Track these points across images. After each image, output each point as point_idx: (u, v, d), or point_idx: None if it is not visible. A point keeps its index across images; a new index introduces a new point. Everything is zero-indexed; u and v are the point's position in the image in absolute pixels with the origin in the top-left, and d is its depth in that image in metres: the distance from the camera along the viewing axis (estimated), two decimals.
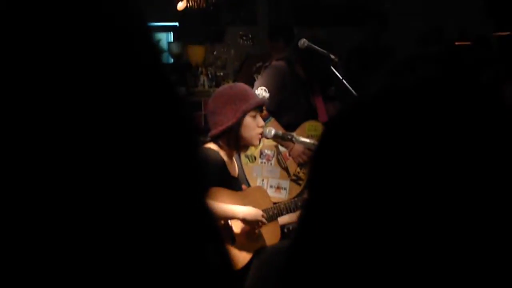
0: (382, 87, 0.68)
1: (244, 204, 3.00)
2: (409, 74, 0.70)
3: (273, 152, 3.78)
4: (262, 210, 3.04)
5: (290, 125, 3.78)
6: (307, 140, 3.15)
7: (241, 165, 3.29)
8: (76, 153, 0.50)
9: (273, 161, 3.77)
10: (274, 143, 3.76)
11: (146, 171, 0.55)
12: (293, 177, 3.78)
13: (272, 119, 3.74)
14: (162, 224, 0.56)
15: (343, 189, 0.63)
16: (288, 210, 3.16)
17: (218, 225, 0.66)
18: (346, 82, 3.48)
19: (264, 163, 3.75)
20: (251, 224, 2.96)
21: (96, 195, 0.51)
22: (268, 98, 3.71)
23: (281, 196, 3.63)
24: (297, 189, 3.74)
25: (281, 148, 3.81)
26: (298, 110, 3.84)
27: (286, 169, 3.80)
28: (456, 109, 0.63)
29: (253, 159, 3.73)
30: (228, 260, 0.64)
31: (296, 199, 3.28)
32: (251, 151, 3.66)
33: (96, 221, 0.51)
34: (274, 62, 3.93)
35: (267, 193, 3.30)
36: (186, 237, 0.58)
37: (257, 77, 4.13)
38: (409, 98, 0.64)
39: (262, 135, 3.08)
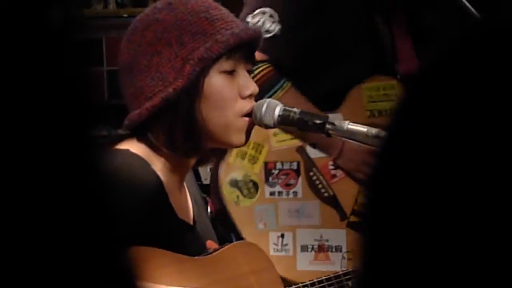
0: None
1: (210, 285, 2.50)
2: None
3: (295, 164, 3.18)
4: None
5: (335, 95, 3.20)
6: (363, 130, 2.37)
7: (200, 198, 2.83)
8: None
9: (299, 186, 3.14)
10: (295, 142, 3.17)
11: None
12: (353, 218, 3.22)
13: (288, 86, 3.15)
14: None
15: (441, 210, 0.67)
16: None
17: None
18: None
19: (280, 193, 3.15)
20: None
21: None
22: (278, 34, 3.19)
23: (329, 268, 3.02)
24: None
25: (315, 153, 3.20)
26: (354, 58, 3.27)
27: (332, 200, 3.20)
28: None
29: (250, 189, 3.17)
30: None
31: (339, 273, 2.62)
32: (245, 170, 3.19)
33: None
34: None
35: (267, 258, 2.66)
36: None
37: None
38: None
39: (253, 117, 2.44)
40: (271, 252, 3.12)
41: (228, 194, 3.15)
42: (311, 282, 2.59)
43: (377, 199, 0.72)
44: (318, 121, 2.41)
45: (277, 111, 2.40)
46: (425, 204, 0.67)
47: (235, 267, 2.52)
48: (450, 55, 0.69)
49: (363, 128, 2.35)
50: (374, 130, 2.32)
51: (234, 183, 3.16)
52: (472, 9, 2.98)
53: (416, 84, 0.71)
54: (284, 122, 2.46)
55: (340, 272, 2.61)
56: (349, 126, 2.36)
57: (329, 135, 2.43)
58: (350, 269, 2.70)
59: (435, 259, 0.67)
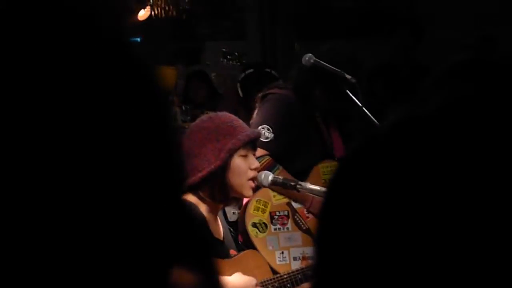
0: (400, 116, 0.73)
1: (232, 274, 3.03)
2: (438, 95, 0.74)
3: (286, 212, 3.84)
4: (259, 283, 3.07)
5: (304, 172, 3.85)
6: (317, 188, 3.11)
7: (228, 226, 3.30)
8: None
9: (290, 224, 3.82)
10: (285, 200, 3.82)
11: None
12: None
13: (280, 168, 3.79)
14: None
15: (361, 246, 0.68)
16: (294, 283, 3.18)
17: None
18: (368, 111, 3.64)
19: (279, 229, 3.80)
20: None
21: None
22: (272, 140, 3.83)
23: None
24: None
25: (296, 205, 3.85)
26: (311, 152, 3.94)
27: (308, 231, 3.83)
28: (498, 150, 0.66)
29: (263, 227, 3.78)
30: None
31: (304, 267, 3.32)
32: (259, 217, 3.76)
33: None
34: (276, 90, 3.99)
35: (264, 260, 3.32)
36: None
37: (251, 111, 4.13)
38: (433, 130, 0.69)
39: (256, 181, 3.09)
40: (277, 262, 3.71)
41: (251, 231, 3.74)
42: (290, 271, 3.23)
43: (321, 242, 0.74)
44: (292, 183, 3.19)
45: (270, 178, 3.18)
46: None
47: (246, 265, 3.14)
48: (361, 147, 0.74)
49: (317, 187, 3.12)
50: (323, 189, 2.66)
51: (254, 225, 3.77)
52: (375, 121, 3.59)
53: (341, 165, 0.76)
54: (273, 184, 3.21)
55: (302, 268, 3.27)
56: (310, 186, 3.14)
57: (298, 191, 3.18)
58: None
59: None
